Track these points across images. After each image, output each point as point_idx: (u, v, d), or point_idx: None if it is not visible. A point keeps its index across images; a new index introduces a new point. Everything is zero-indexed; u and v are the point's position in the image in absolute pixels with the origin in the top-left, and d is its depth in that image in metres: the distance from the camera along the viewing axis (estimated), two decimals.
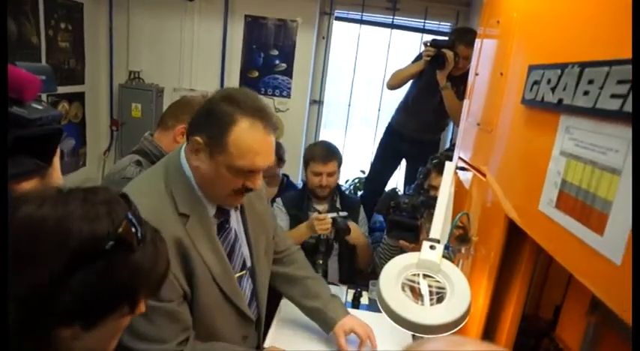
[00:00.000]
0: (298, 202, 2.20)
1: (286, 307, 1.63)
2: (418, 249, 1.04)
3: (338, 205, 2.25)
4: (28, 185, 0.80)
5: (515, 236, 1.00)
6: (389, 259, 1.04)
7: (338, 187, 2.32)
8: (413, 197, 1.52)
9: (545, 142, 0.79)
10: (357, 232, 2.11)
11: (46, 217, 0.56)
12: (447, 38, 2.87)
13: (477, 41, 1.52)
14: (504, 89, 1.12)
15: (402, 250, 1.68)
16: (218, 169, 1.08)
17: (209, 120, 1.08)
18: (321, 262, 1.93)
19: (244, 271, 1.27)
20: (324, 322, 1.46)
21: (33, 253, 0.55)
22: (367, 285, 1.91)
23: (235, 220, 1.27)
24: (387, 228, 1.81)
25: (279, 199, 2.22)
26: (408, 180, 3.13)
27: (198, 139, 1.07)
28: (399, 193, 2.22)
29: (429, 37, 3.32)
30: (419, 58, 2.79)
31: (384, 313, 0.92)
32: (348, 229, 1.98)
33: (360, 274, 2.20)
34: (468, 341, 0.39)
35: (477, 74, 1.45)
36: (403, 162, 3.25)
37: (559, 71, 0.74)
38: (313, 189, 2.20)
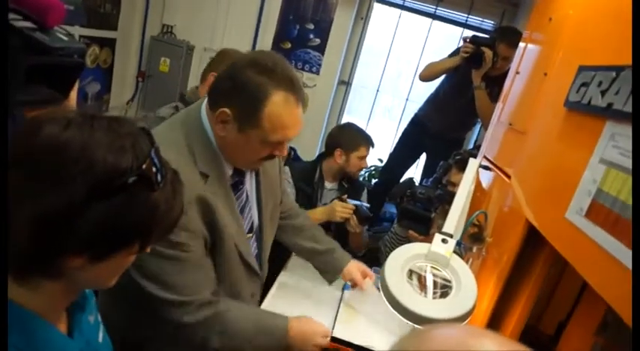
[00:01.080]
0: (308, 176, 2.17)
1: (291, 268, 1.66)
2: (427, 242, 1.01)
3: (344, 184, 2.25)
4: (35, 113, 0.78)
5: (531, 243, 0.96)
6: (395, 249, 1.02)
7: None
8: (430, 189, 1.49)
9: (584, 147, 0.74)
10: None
11: (70, 140, 0.54)
12: (487, 36, 2.78)
13: (522, 44, 1.46)
14: (546, 90, 1.07)
15: (409, 241, 1.65)
16: (248, 141, 1.06)
17: (238, 91, 1.02)
18: None
19: (251, 234, 1.27)
20: (335, 262, 1.52)
21: (54, 176, 0.53)
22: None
23: (249, 182, 1.25)
24: (398, 216, 1.79)
25: (287, 169, 2.20)
26: (426, 174, 3.08)
27: (227, 111, 1.03)
28: (416, 183, 2.19)
29: (470, 33, 3.23)
30: (456, 52, 2.70)
31: (384, 299, 0.90)
32: (369, 217, 1.96)
33: (353, 256, 2.19)
34: (485, 334, 0.35)
35: (517, 73, 1.39)
36: (422, 156, 3.20)
37: (613, 74, 0.69)
38: (353, 172, 2.20)
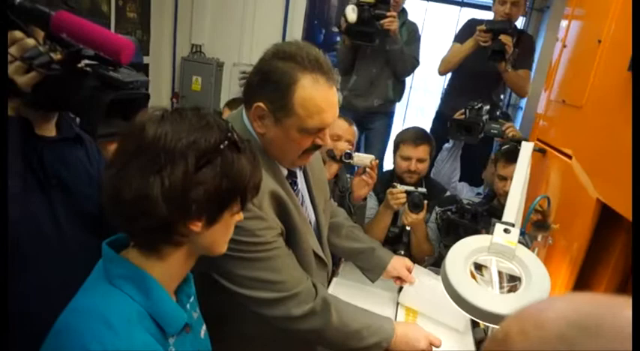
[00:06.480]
0: (386, 185, 1.99)
1: (342, 274, 1.64)
2: None
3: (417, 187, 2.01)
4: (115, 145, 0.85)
5: (604, 224, 0.88)
6: None
7: (427, 175, 2.10)
8: (477, 204, 1.39)
9: None
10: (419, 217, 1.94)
11: (167, 132, 0.67)
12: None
13: (564, 19, 1.37)
14: (602, 58, 0.99)
15: None
16: (287, 132, 1.03)
17: (267, 83, 1.02)
18: (402, 252, 1.80)
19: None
20: (378, 259, 1.46)
21: (165, 158, 0.66)
22: None
23: (300, 181, 1.22)
24: (443, 230, 1.65)
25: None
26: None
27: (261, 104, 1.01)
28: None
29: (467, 12, 3.09)
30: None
31: (448, 297, 0.83)
32: (422, 204, 1.78)
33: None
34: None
35: (564, 46, 1.30)
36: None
37: None
38: (401, 174, 2.02)
